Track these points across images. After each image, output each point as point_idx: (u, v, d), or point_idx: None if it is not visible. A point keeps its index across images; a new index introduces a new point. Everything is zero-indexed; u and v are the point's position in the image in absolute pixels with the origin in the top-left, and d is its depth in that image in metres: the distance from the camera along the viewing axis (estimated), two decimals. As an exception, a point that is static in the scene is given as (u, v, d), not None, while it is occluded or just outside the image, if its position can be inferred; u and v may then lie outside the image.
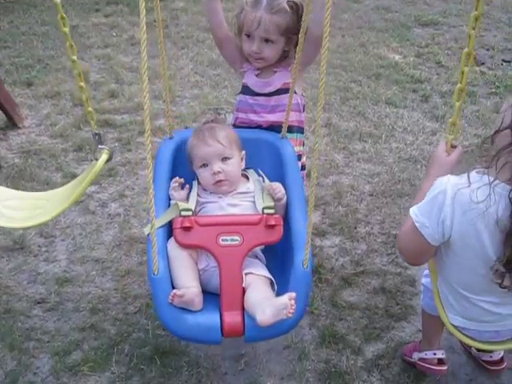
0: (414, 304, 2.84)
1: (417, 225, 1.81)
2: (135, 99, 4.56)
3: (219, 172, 2.24)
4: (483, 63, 5.31)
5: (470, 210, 1.70)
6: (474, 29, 1.74)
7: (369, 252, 3.14)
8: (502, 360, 2.45)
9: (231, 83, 4.81)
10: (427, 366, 2.39)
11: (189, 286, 1.98)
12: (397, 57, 5.36)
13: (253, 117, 2.61)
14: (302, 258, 2.00)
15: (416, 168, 3.79)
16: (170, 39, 5.58)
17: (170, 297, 1.91)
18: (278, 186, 2.25)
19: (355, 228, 3.28)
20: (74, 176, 3.67)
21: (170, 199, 2.29)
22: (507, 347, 2.13)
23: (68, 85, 4.77)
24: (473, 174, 1.74)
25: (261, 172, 2.39)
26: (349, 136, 4.09)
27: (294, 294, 1.84)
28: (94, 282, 2.93)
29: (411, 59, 5.32)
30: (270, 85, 2.55)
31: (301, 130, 2.67)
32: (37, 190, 3.36)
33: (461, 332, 2.04)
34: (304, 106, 2.66)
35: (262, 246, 2.23)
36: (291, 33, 2.40)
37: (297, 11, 2.39)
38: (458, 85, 1.87)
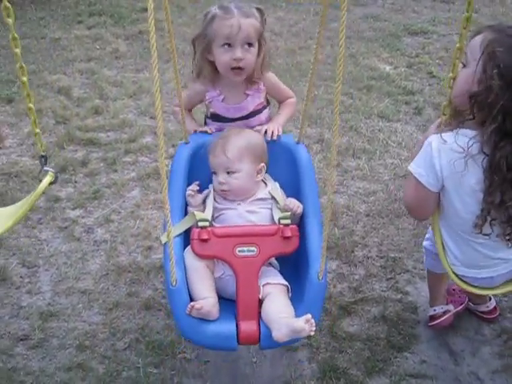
0: (416, 333, 2.73)
1: (416, 176, 2.07)
2: (120, 116, 4.41)
3: (223, 183, 2.29)
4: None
5: (453, 157, 1.97)
6: (464, 28, 1.95)
7: (367, 277, 3.02)
8: (495, 309, 2.78)
9: (219, 98, 4.68)
10: (430, 323, 2.73)
11: (206, 297, 2.02)
12: (388, 68, 5.26)
13: None
14: (317, 270, 2.04)
15: (412, 185, 3.67)
16: (154, 51, 5.43)
17: (188, 309, 1.96)
18: (294, 204, 2.24)
19: (352, 251, 3.16)
20: (57, 199, 3.54)
21: (186, 206, 2.33)
22: (501, 292, 2.38)
23: (50, 101, 4.61)
24: (446, 133, 2.02)
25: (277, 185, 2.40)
26: (342, 152, 3.97)
27: (309, 316, 1.88)
28: (81, 315, 2.78)
29: (402, 70, 5.21)
30: (244, 108, 2.54)
31: None
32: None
33: (461, 280, 2.29)
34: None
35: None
36: (261, 37, 2.42)
37: (261, 16, 2.41)
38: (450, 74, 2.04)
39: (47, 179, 2.29)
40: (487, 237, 2.08)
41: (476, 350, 2.66)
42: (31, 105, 2.22)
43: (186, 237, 2.19)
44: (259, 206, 2.29)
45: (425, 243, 2.62)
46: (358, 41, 5.77)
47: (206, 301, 2.00)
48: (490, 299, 2.78)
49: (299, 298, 2.06)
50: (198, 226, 2.14)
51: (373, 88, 4.85)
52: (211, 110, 2.56)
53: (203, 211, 2.27)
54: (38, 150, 2.33)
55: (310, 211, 2.27)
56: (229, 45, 2.36)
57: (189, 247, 2.13)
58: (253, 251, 2.07)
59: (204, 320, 1.99)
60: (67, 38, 5.83)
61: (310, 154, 2.49)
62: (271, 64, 4.96)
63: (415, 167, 2.08)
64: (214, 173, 2.33)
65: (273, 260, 2.26)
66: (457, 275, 2.28)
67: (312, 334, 1.87)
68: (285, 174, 2.44)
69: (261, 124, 2.56)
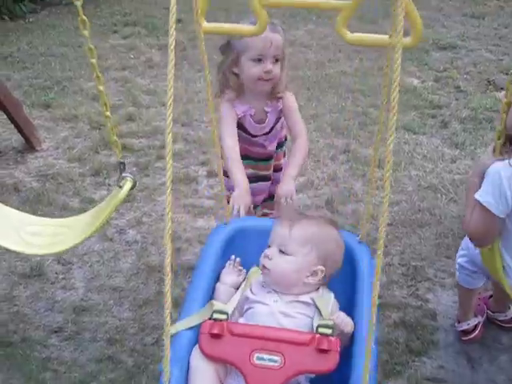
0: (434, 339, 2.79)
1: (484, 204, 2.10)
2: (153, 123, 4.56)
3: (267, 259, 1.91)
4: (502, 88, 5.26)
5: None
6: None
7: (388, 284, 3.09)
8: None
9: (249, 107, 4.81)
10: (465, 338, 2.79)
11: None
12: (415, 81, 5.34)
13: (252, 149, 2.69)
14: None
15: (436, 197, 3.74)
16: (187, 61, 5.58)
17: None
18: (342, 320, 1.81)
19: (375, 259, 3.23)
20: (91, 201, 3.68)
21: (212, 293, 1.99)
22: None
23: (85, 107, 4.79)
24: None
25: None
26: (368, 163, 4.04)
27: None
28: (112, 311, 2.91)
29: (430, 84, 5.29)
30: (266, 127, 2.65)
31: (285, 143, 2.87)
32: (54, 215, 3.37)
33: None
34: None
35: (312, 375, 1.78)
36: (284, 52, 2.53)
37: (284, 33, 2.53)
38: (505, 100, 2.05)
39: (128, 185, 2.26)
40: None
41: (494, 358, 2.71)
42: (108, 113, 2.22)
43: None
44: (297, 311, 1.84)
45: (460, 260, 2.66)
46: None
47: None
48: (509, 308, 2.84)
49: None
50: (211, 318, 1.76)
51: (400, 101, 4.90)
52: (239, 121, 2.60)
53: (225, 303, 1.91)
54: (116, 156, 2.30)
55: (362, 327, 1.79)
56: (259, 59, 2.46)
57: (197, 345, 1.75)
58: (276, 361, 1.64)
59: None
60: (103, 47, 6.02)
61: (372, 258, 2.04)
62: (300, 75, 5.08)
63: (484, 196, 2.10)
64: (269, 246, 1.95)
65: (303, 379, 1.77)
66: None
67: None
68: (339, 274, 1.99)
69: (280, 139, 2.76)
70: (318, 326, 1.74)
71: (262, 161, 2.75)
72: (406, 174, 3.98)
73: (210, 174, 3.92)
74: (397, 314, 2.90)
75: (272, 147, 2.74)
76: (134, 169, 4.00)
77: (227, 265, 2.08)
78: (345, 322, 1.81)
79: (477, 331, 2.77)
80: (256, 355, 1.65)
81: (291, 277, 1.87)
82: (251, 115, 2.60)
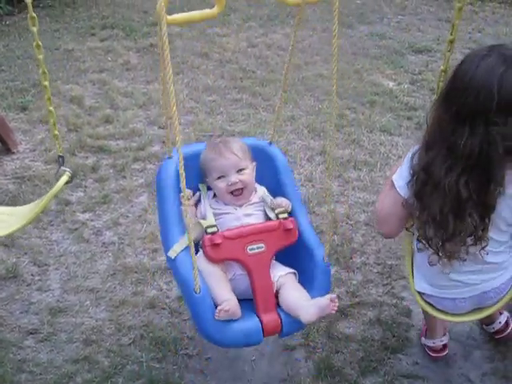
0: (410, 336, 2.83)
1: (395, 183, 2.17)
2: (130, 125, 4.55)
3: (236, 182, 2.34)
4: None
5: None
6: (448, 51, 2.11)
7: (364, 282, 3.12)
8: (507, 325, 2.73)
9: (226, 110, 4.82)
10: (430, 353, 2.71)
11: (228, 299, 2.10)
12: (391, 84, 5.40)
13: None
14: (323, 254, 2.27)
15: (411, 197, 3.78)
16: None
17: (217, 314, 2.03)
18: (286, 202, 2.38)
19: (351, 258, 3.27)
20: (67, 203, 3.67)
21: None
22: (461, 320, 2.43)
23: (62, 110, 4.76)
24: None
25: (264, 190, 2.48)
26: (344, 164, 4.09)
27: (334, 296, 2.06)
28: (88, 312, 2.90)
29: (405, 86, 5.35)
30: None
31: None
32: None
33: (423, 299, 2.38)
34: None
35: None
36: None
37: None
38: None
39: (64, 178, 2.41)
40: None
41: (468, 354, 2.75)
42: (51, 108, 2.34)
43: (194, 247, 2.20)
44: (254, 209, 2.38)
45: None
46: (363, 57, 5.91)
47: (230, 302, 2.08)
48: (494, 322, 2.72)
49: (307, 282, 2.25)
50: (207, 233, 2.21)
51: (376, 103, 4.98)
52: None
53: (205, 219, 2.31)
54: (57, 150, 2.45)
55: (295, 206, 2.42)
56: None
57: (199, 254, 2.20)
58: (262, 247, 2.21)
59: (229, 321, 2.08)
60: (80, 49, 5.99)
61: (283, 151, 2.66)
62: (277, 78, 5.09)
63: (398, 179, 2.18)
64: (221, 177, 2.34)
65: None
66: (419, 293, 2.36)
67: (333, 312, 2.05)
68: (264, 176, 2.50)
69: None
70: (277, 214, 2.32)
71: None
72: (382, 175, 4.02)
73: (188, 176, 3.93)
74: (372, 312, 2.94)
75: None
76: (111, 170, 4.00)
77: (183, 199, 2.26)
78: (287, 202, 2.38)
79: (444, 352, 2.69)
80: (248, 247, 2.20)
81: (253, 181, 2.41)
82: None
